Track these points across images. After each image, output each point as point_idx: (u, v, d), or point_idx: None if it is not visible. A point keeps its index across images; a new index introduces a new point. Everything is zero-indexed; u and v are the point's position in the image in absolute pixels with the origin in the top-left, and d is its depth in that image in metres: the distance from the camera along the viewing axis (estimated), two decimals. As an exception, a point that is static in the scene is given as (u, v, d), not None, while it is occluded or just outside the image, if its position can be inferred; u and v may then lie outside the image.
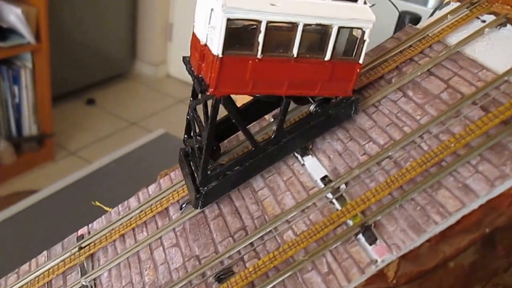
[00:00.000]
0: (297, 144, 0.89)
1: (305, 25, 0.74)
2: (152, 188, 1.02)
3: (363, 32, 0.79)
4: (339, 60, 0.80)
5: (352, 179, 0.84)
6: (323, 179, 0.86)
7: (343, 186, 0.83)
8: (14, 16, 3.18)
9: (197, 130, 0.90)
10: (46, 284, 0.93)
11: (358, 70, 0.82)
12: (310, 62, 0.78)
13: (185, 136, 0.94)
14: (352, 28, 0.78)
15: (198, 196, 0.85)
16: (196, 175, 0.87)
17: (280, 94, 0.81)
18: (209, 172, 0.84)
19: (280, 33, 0.74)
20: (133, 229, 0.96)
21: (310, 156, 0.91)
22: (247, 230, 0.85)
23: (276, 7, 0.71)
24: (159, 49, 5.15)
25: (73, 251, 0.95)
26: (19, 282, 0.94)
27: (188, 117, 0.91)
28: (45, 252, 0.99)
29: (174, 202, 0.95)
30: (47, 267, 0.94)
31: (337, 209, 0.81)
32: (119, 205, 1.02)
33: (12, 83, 3.48)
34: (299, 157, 0.92)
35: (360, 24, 0.78)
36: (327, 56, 0.78)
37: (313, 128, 0.88)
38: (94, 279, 0.89)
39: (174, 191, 0.97)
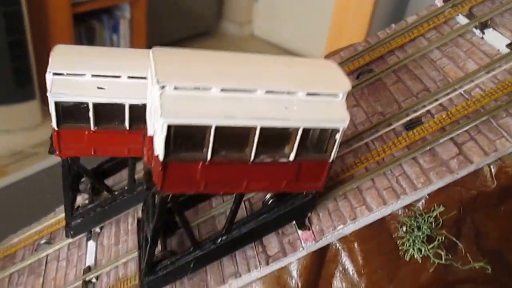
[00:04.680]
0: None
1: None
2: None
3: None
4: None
5: (541, 45, 0.86)
6: (509, 45, 0.89)
7: (532, 49, 0.86)
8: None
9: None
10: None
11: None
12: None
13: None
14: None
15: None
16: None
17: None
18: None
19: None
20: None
21: (490, 29, 0.94)
22: (430, 91, 0.91)
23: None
24: (245, 9, 5.24)
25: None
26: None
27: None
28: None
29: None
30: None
31: (526, 70, 0.84)
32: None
33: (112, 31, 3.71)
34: (477, 31, 0.95)
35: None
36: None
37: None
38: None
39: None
